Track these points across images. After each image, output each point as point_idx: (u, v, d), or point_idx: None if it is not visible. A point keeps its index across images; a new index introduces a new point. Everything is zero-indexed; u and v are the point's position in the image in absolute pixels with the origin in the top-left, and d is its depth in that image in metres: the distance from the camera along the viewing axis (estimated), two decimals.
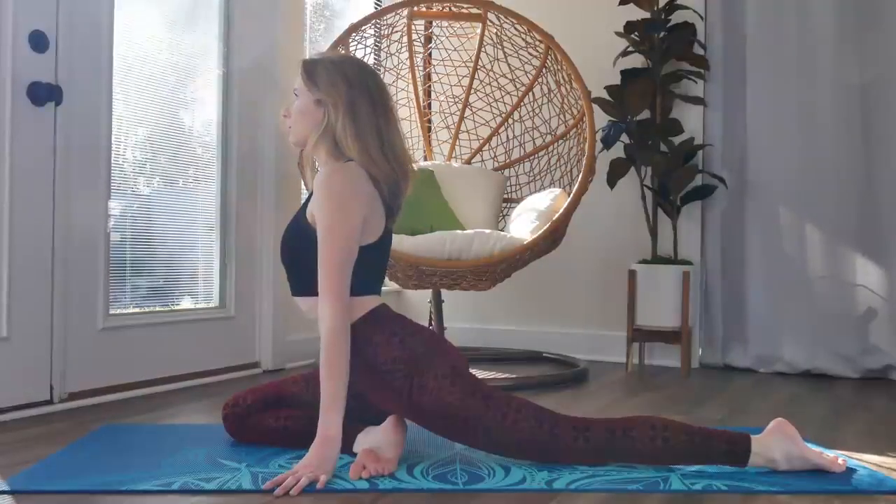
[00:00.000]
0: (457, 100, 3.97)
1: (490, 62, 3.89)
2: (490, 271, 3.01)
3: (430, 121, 4.07)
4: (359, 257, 1.88)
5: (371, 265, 1.94)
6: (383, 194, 1.95)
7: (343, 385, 1.79)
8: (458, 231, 3.10)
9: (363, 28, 3.50)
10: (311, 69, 1.96)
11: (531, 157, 3.82)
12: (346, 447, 1.87)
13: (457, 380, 1.85)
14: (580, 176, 3.18)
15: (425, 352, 1.88)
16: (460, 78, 3.95)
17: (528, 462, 1.89)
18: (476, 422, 1.83)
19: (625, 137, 3.64)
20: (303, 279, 1.94)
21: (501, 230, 3.52)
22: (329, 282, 1.83)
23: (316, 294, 1.88)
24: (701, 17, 3.75)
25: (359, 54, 3.55)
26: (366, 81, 1.95)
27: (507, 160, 3.88)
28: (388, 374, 1.86)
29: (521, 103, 3.84)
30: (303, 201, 2.04)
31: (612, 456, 1.84)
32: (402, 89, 3.92)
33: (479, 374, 3.05)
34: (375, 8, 4.29)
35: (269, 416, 2.05)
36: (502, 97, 3.91)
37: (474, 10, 3.69)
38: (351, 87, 1.92)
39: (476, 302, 4.08)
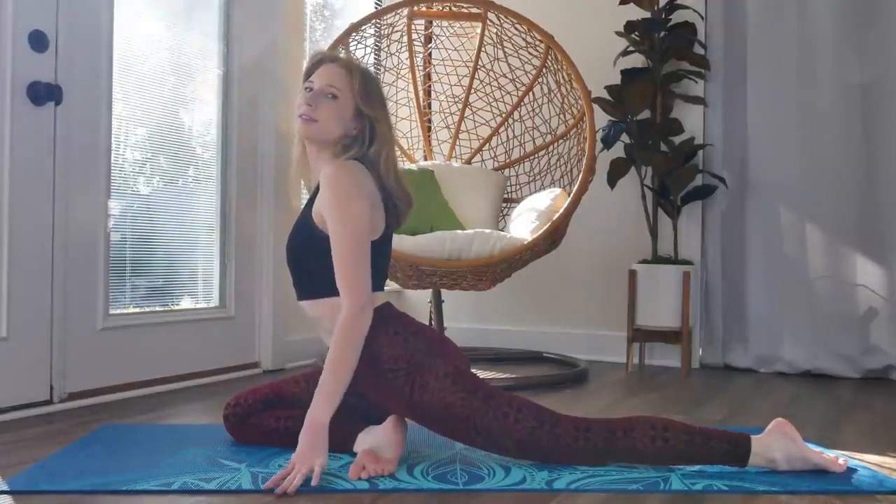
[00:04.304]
0: (457, 100, 3.96)
1: (490, 62, 3.89)
2: (490, 271, 3.01)
3: (430, 121, 4.07)
4: None
5: (374, 262, 1.94)
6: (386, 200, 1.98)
7: (347, 378, 1.79)
8: (458, 231, 3.09)
9: (363, 28, 3.50)
10: (366, 79, 1.97)
11: (531, 157, 3.81)
12: (347, 447, 1.87)
13: (459, 379, 1.85)
14: (580, 176, 3.18)
15: (428, 351, 1.87)
16: (460, 78, 3.95)
17: (528, 462, 1.89)
18: (477, 421, 1.82)
19: (625, 137, 3.64)
20: (310, 283, 1.93)
21: (501, 230, 3.52)
22: (351, 272, 1.83)
23: (323, 297, 1.88)
24: (701, 17, 3.75)
25: (359, 54, 3.56)
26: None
27: (507, 160, 3.88)
28: (391, 372, 1.86)
29: (521, 103, 3.83)
30: (304, 203, 2.03)
31: (612, 456, 1.84)
32: (402, 89, 3.92)
33: (479, 374, 3.05)
34: (375, 8, 4.29)
35: (270, 416, 2.05)
36: (502, 97, 3.90)
37: (474, 10, 3.69)
38: (388, 108, 2.02)
39: (476, 302, 4.08)
